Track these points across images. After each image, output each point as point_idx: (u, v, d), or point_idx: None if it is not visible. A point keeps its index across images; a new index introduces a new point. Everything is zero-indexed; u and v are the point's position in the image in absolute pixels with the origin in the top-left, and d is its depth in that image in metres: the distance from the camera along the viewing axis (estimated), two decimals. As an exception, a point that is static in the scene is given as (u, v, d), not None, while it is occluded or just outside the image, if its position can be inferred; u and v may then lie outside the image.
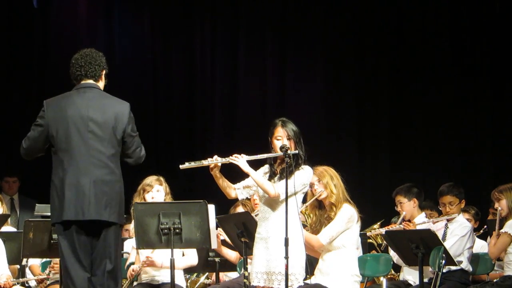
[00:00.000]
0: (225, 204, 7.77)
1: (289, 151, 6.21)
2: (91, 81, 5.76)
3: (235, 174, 6.50)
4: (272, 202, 6.35)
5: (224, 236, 7.35)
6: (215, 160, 6.25)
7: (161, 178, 7.55)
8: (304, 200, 6.70)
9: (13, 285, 7.38)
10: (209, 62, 11.29)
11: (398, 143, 10.92)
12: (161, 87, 11.34)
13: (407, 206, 7.88)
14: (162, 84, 11.34)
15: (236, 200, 6.75)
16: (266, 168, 6.46)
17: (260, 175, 6.38)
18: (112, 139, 5.66)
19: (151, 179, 7.47)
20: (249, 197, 7.39)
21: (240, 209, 7.98)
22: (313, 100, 11.02)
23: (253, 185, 6.43)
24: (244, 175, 6.39)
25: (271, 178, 6.37)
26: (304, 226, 6.71)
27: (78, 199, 5.52)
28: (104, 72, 5.87)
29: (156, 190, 7.42)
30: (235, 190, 6.45)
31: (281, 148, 6.25)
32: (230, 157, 6.25)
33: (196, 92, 11.34)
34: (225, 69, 11.30)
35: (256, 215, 6.91)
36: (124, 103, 5.82)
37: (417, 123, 10.90)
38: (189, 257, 7.39)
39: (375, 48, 10.99)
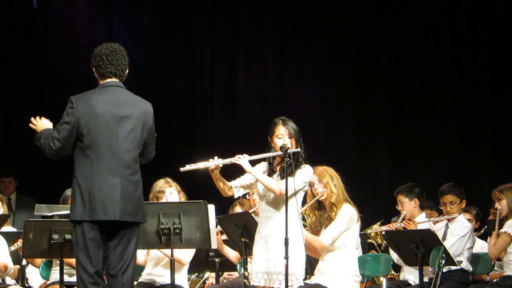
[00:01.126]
0: (225, 204, 7.78)
1: (289, 150, 6.18)
2: (117, 80, 5.74)
3: (234, 174, 6.46)
4: (275, 201, 6.31)
5: (225, 236, 7.35)
6: (217, 162, 6.22)
7: (169, 179, 7.56)
8: (304, 200, 6.66)
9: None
10: (209, 62, 11.30)
11: (399, 142, 10.92)
12: (161, 87, 11.34)
13: (408, 205, 7.92)
14: (162, 84, 11.35)
15: (233, 199, 6.71)
16: (263, 166, 6.42)
17: (263, 174, 6.33)
18: (139, 139, 5.67)
19: (160, 185, 7.47)
20: (247, 196, 7.67)
21: (238, 209, 7.96)
22: (313, 99, 11.02)
23: (251, 183, 6.41)
24: (242, 172, 6.36)
25: (269, 176, 6.32)
26: (304, 226, 6.66)
27: (109, 198, 5.50)
28: (127, 71, 5.88)
29: (169, 193, 7.43)
30: (232, 188, 6.40)
31: (281, 147, 6.22)
32: (233, 158, 6.22)
33: (196, 92, 11.35)
34: (225, 68, 11.30)
35: (254, 213, 7.01)
36: (148, 102, 5.83)
37: (418, 122, 10.91)
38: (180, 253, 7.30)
39: (375, 46, 11.01)
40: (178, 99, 11.35)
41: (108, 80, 5.73)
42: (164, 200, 7.38)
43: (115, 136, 5.58)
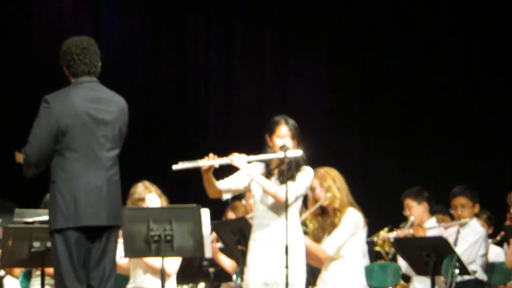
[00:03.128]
0: (220, 208, 7.67)
1: (290, 151, 6.05)
2: (91, 77, 5.57)
3: (228, 174, 6.37)
4: (274, 207, 6.21)
5: (220, 243, 7.33)
6: (212, 161, 6.10)
7: (147, 184, 7.40)
8: (304, 205, 6.53)
9: None
10: (203, 56, 11.18)
11: (407, 142, 10.80)
12: (152, 84, 11.24)
13: (416, 210, 7.77)
14: (152, 81, 11.25)
15: (227, 202, 6.64)
16: (259, 167, 6.29)
17: (265, 179, 6.24)
18: (118, 137, 5.56)
19: (139, 191, 7.32)
20: (243, 201, 7.59)
21: (230, 215, 7.87)
22: (316, 97, 10.91)
23: (244, 186, 6.32)
24: (232, 171, 6.28)
25: (267, 178, 6.26)
26: (304, 233, 6.56)
27: (98, 202, 5.39)
28: (100, 63, 5.69)
29: (150, 200, 7.29)
30: (220, 189, 6.27)
31: (281, 147, 6.10)
32: (229, 156, 6.13)
33: (189, 88, 11.24)
34: (220, 63, 11.20)
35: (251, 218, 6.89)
36: (123, 98, 5.67)
37: (428, 122, 10.83)
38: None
39: (382, 46, 10.94)
40: (170, 96, 11.23)
41: (82, 78, 5.56)
42: None
43: (94, 135, 5.45)
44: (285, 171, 6.01)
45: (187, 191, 9.99)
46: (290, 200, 6.02)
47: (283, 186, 6.07)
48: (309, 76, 11.05)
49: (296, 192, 6.16)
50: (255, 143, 6.56)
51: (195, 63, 11.29)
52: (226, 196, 6.37)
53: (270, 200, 6.22)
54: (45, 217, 6.83)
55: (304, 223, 7.00)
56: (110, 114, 5.51)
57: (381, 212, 9.32)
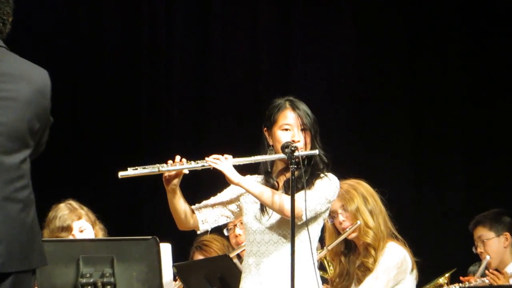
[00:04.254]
0: (189, 242, 7.67)
1: (300, 151, 5.77)
2: None
3: (210, 189, 6.14)
4: (280, 235, 5.85)
5: None
6: (178, 165, 5.82)
7: (74, 204, 7.20)
8: (321, 237, 6.26)
9: None
10: (163, 18, 10.88)
11: (477, 143, 10.29)
12: (86, 55, 10.81)
13: (494, 245, 7.77)
14: (87, 51, 10.82)
15: (195, 235, 6.52)
16: (255, 180, 6.10)
17: (261, 185, 5.92)
18: (26, 132, 5.11)
19: (63, 217, 7.22)
20: (226, 232, 7.72)
21: (198, 256, 7.83)
22: (332, 74, 10.46)
23: (231, 207, 6.13)
24: (222, 187, 5.97)
25: None
26: (323, 281, 6.47)
27: None
28: (11, 19, 5.19)
29: (78, 231, 7.17)
30: (194, 216, 6.04)
31: (285, 146, 5.83)
32: (207, 159, 5.83)
33: (142, 61, 10.89)
34: (189, 22, 10.84)
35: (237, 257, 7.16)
36: (43, 71, 5.18)
37: (505, 114, 10.36)
38: None
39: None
40: (114, 74, 10.85)
41: None
42: None
43: None
44: (292, 181, 5.62)
45: (140, 215, 9.81)
46: (304, 217, 5.75)
47: (298, 195, 5.74)
48: (325, 48, 10.56)
49: (315, 205, 5.78)
50: (244, 143, 6.39)
51: (150, 29, 10.97)
52: (204, 227, 6.11)
53: (270, 221, 5.86)
54: None
55: (320, 265, 6.94)
56: (14, 97, 5.05)
57: (439, 247, 9.20)
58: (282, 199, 5.82)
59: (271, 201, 5.86)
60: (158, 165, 5.91)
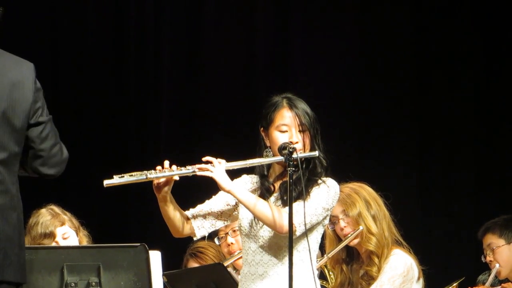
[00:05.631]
0: (179, 249, 7.68)
1: (298, 153, 5.63)
2: None
3: (204, 194, 6.00)
4: (274, 244, 5.75)
5: None
6: (168, 172, 5.68)
7: (57, 209, 7.07)
8: (321, 244, 6.12)
9: None
10: (151, 10, 10.64)
11: (485, 147, 10.18)
12: (67, 53, 10.61)
13: (504, 253, 7.58)
14: (67, 48, 10.61)
15: (191, 242, 6.56)
16: (248, 181, 5.98)
17: (255, 195, 5.76)
18: (7, 131, 5.09)
19: (45, 223, 7.09)
20: (217, 241, 7.72)
21: (192, 264, 7.76)
22: (336, 70, 10.32)
23: (226, 212, 6.02)
24: (214, 191, 5.83)
25: (263, 198, 5.89)
26: None
27: None
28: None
29: (62, 238, 7.07)
30: (189, 222, 5.89)
31: (282, 148, 5.69)
32: (198, 165, 5.69)
33: (130, 61, 10.68)
34: (179, 16, 10.64)
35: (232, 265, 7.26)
36: (27, 64, 5.21)
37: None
38: None
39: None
40: (101, 74, 10.63)
41: None
42: None
43: None
44: (289, 185, 5.50)
45: (127, 220, 9.76)
46: (299, 232, 5.58)
47: (284, 209, 5.65)
48: (324, 43, 10.38)
49: (310, 218, 5.65)
50: (239, 145, 6.57)
51: (136, 22, 10.74)
52: (201, 233, 6.02)
53: (267, 234, 5.71)
54: None
55: (321, 274, 6.92)
56: None
57: (447, 255, 9.18)
58: (275, 215, 5.76)
59: (264, 216, 5.81)
60: (146, 171, 5.80)
